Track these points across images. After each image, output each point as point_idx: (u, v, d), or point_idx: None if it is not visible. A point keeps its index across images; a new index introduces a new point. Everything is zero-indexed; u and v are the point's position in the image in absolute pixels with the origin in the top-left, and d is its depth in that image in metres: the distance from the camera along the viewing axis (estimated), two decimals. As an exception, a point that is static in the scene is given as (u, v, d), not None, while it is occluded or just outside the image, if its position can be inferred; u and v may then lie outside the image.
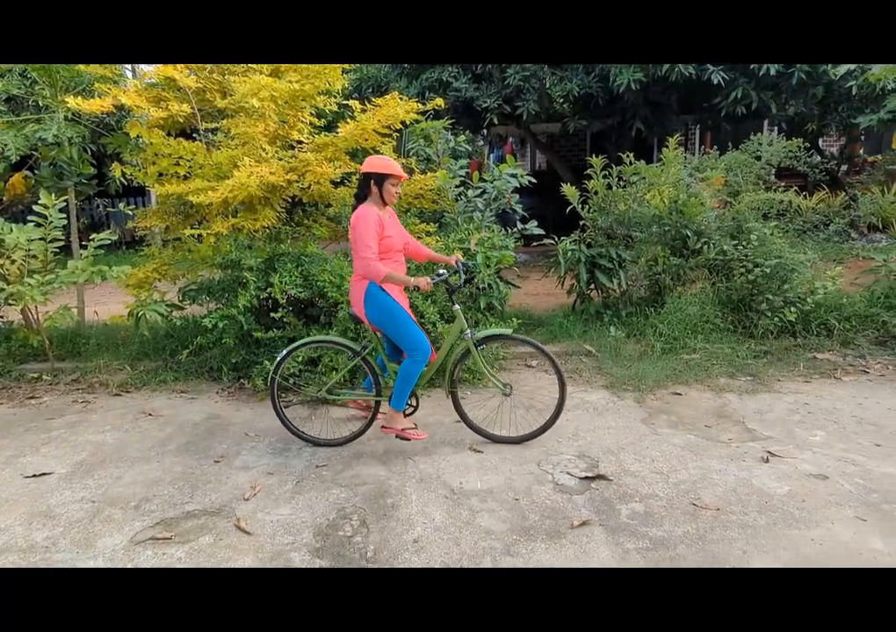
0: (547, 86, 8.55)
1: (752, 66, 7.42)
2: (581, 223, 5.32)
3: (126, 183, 5.45)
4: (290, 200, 4.95)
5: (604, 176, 5.25)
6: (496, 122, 8.48)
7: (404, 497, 2.89)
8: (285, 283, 4.14)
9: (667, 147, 5.05)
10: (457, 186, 5.22)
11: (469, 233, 4.82)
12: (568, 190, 5.27)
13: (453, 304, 3.34)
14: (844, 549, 2.34)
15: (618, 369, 4.30)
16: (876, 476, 2.85)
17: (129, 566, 2.43)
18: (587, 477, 2.99)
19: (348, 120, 4.75)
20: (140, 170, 4.78)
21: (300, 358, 4.06)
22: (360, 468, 3.21)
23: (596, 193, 5.21)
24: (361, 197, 3.19)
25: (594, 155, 5.27)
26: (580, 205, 5.26)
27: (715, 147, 6.68)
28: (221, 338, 4.23)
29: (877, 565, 2.23)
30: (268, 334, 4.20)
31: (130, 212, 5.29)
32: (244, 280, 4.17)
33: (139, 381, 4.57)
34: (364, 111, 4.86)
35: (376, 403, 3.49)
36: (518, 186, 5.45)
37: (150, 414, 4.01)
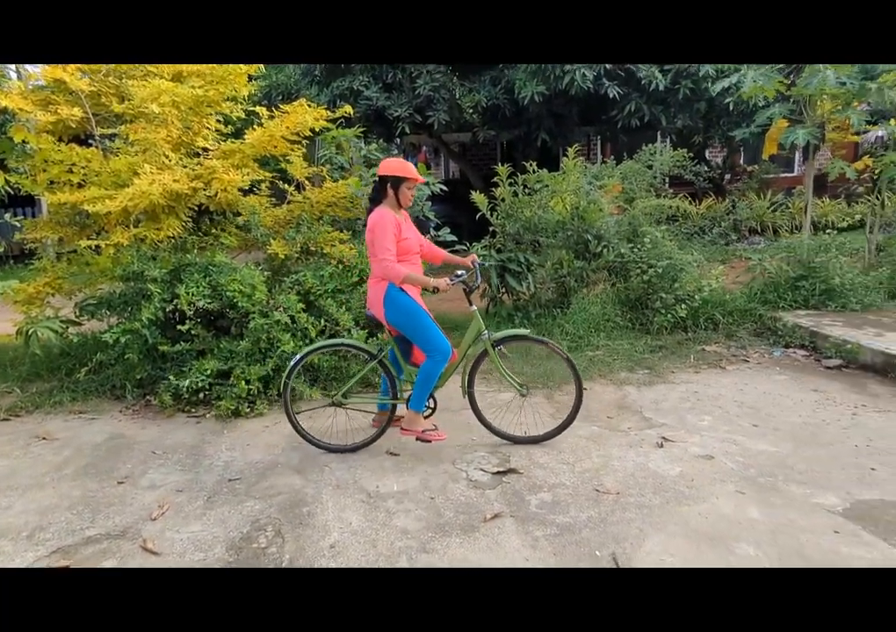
0: (457, 97, 8.79)
1: (643, 81, 7.99)
2: (490, 229, 5.51)
3: (12, 192, 5.09)
4: (196, 209, 4.81)
5: (511, 184, 5.48)
6: (408, 131, 8.61)
7: (320, 504, 2.90)
8: (193, 295, 4.02)
9: (567, 156, 5.35)
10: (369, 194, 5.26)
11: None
12: (478, 197, 5.46)
13: (470, 304, 3.31)
14: (727, 520, 2.59)
15: (529, 368, 4.49)
16: (753, 453, 3.16)
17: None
18: (499, 472, 3.12)
19: (255, 127, 4.69)
20: (27, 178, 4.49)
21: (209, 371, 3.96)
22: (275, 479, 3.18)
23: (503, 200, 5.42)
24: (377, 200, 3.19)
25: (504, 164, 5.49)
26: (489, 212, 5.46)
27: (612, 157, 7.12)
28: (124, 353, 4.04)
29: (754, 532, 2.48)
30: (175, 348, 4.05)
31: (17, 223, 4.94)
32: (148, 292, 4.02)
33: (30, 404, 4.27)
34: (272, 117, 4.82)
35: (392, 406, 3.45)
36: (433, 194, 5.59)
37: (44, 438, 3.76)
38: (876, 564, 2.26)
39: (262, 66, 4.98)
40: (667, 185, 9.73)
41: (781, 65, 5.99)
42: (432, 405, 3.37)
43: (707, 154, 11.00)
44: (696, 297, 4.77)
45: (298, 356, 3.39)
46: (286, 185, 5.01)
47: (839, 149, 9.49)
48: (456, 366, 3.34)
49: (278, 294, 4.23)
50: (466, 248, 5.46)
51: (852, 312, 4.94)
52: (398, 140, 11.52)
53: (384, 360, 3.34)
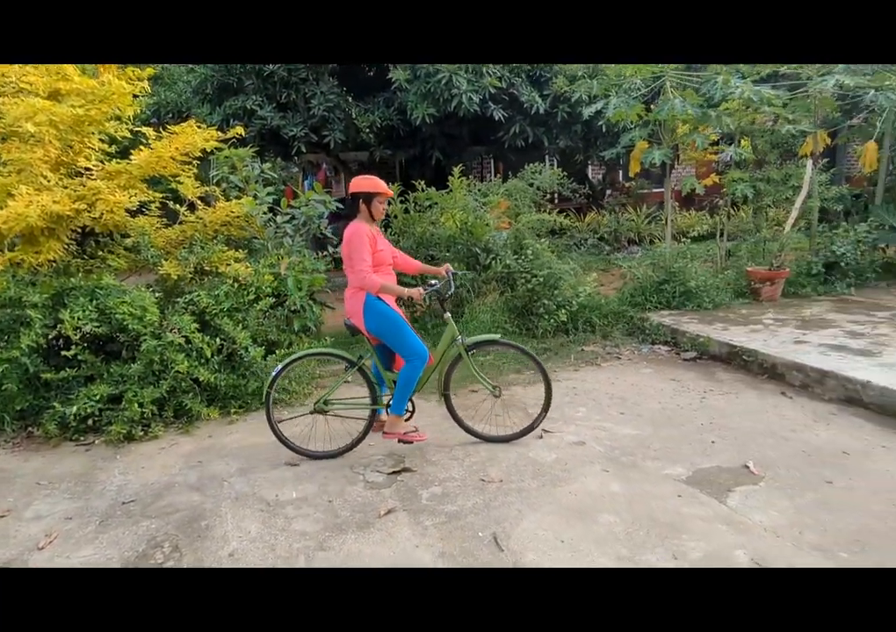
0: (353, 116, 9.02)
1: (525, 105, 8.61)
2: (384, 245, 5.75)
3: None
4: (80, 231, 4.69)
5: (403, 202, 5.76)
6: (305, 150, 8.71)
7: (219, 517, 2.96)
8: (79, 319, 3.93)
9: (453, 175, 5.71)
10: (265, 212, 5.36)
11: (280, 258, 4.98)
12: (372, 215, 5.68)
13: (445, 312, 3.52)
14: (593, 496, 2.94)
15: (425, 375, 4.73)
16: (618, 437, 3.57)
17: None
18: (394, 472, 3.32)
19: (143, 148, 4.65)
20: None
21: (98, 396, 3.88)
22: (173, 497, 3.20)
23: (395, 217, 5.69)
24: (351, 215, 3.40)
25: (402, 182, 5.76)
26: (383, 229, 5.69)
27: (499, 175, 7.61)
28: (1, 384, 3.87)
29: (615, 503, 2.84)
30: (60, 375, 3.93)
31: None
32: (28, 318, 3.88)
33: None
34: (159, 138, 4.80)
35: (372, 411, 3.56)
36: (337, 211, 5.75)
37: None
38: (708, 520, 2.67)
39: (146, 85, 4.95)
40: (556, 201, 10.45)
41: (643, 91, 6.73)
42: (411, 409, 3.54)
43: (590, 172, 11.92)
44: (574, 302, 5.24)
45: (280, 366, 3.48)
46: (178, 206, 4.99)
47: (701, 167, 10.62)
48: (433, 370, 3.54)
49: (172, 315, 4.21)
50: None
51: (706, 310, 5.63)
52: (295, 158, 11.56)
53: (363, 367, 3.49)
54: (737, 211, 9.16)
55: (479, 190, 6.42)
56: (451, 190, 5.70)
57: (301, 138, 8.33)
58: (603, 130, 8.44)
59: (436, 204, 5.71)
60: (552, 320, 5.24)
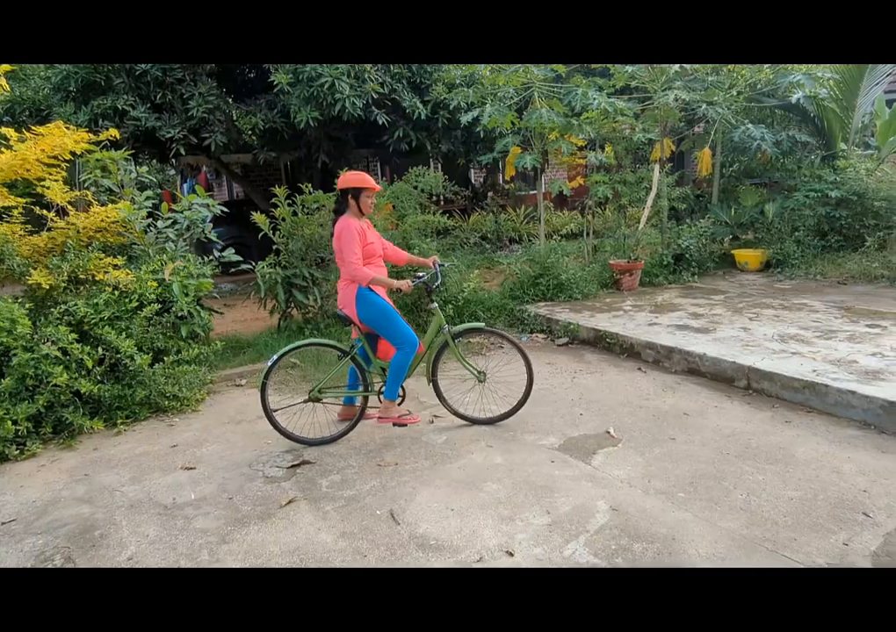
0: (235, 118, 8.85)
1: (408, 110, 8.91)
2: (274, 247, 5.79)
3: None
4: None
5: (291, 204, 5.82)
6: (184, 153, 8.42)
7: (114, 525, 2.94)
8: (-64, 335, 3.66)
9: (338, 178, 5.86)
10: (144, 217, 5.20)
11: (163, 264, 4.87)
12: (258, 217, 5.69)
13: (431, 302, 3.70)
14: (478, 468, 3.25)
15: (320, 374, 4.86)
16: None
17: None
18: (294, 466, 3.45)
19: (3, 150, 4.37)
20: None
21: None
22: (60, 512, 3.11)
23: (283, 220, 5.74)
24: (340, 210, 3.50)
25: (288, 185, 5.80)
26: (271, 231, 5.73)
27: (385, 177, 7.84)
28: None
29: (497, 473, 3.17)
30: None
31: None
32: None
33: None
34: (22, 139, 4.53)
35: (364, 398, 3.70)
36: (221, 215, 5.68)
37: None
38: (576, 479, 3.07)
39: (3, 82, 4.64)
40: (441, 203, 10.86)
41: (516, 100, 7.26)
42: (402, 394, 3.70)
43: (472, 175, 12.48)
44: (459, 297, 5.59)
45: (275, 357, 3.57)
46: (45, 211, 4.74)
47: (572, 170, 11.50)
48: (422, 357, 3.70)
49: (45, 326, 4.03)
50: (251, 267, 5.65)
51: (576, 300, 6.23)
52: (173, 161, 11.08)
53: (356, 356, 3.62)
54: (603, 211, 10.05)
55: (365, 193, 6.60)
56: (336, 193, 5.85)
57: (180, 140, 8.05)
58: (482, 135, 8.94)
59: (324, 206, 5.84)
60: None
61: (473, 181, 12.58)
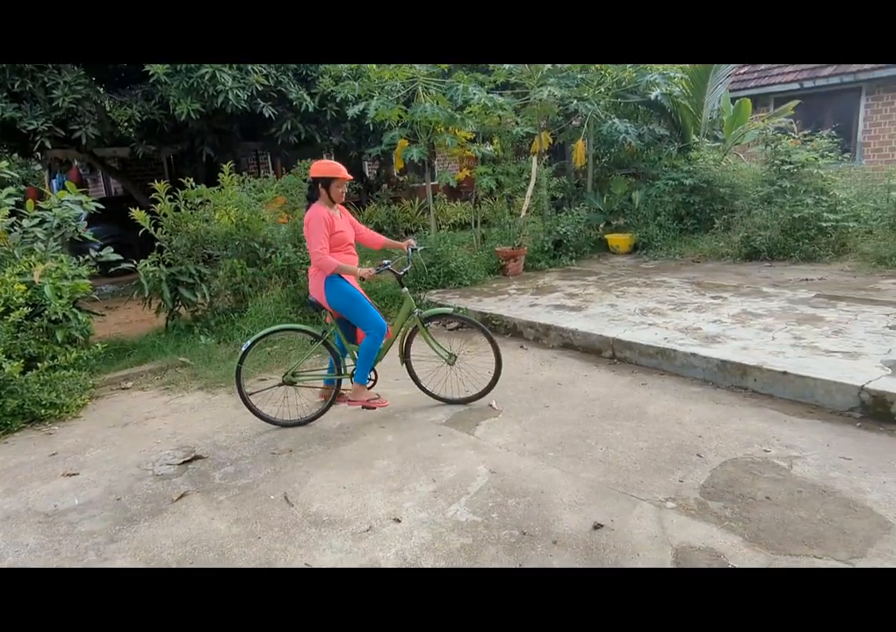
0: (108, 110, 8.33)
1: (294, 103, 8.82)
2: (157, 244, 5.61)
3: None
4: None
5: (173, 200, 5.65)
6: (50, 146, 7.84)
7: (-12, 538, 2.84)
8: None
9: (223, 172, 5.77)
10: (7, 216, 4.88)
11: (32, 265, 4.61)
12: (138, 214, 5.49)
13: (402, 286, 3.76)
14: (371, 448, 3.43)
15: (211, 371, 4.84)
16: (394, 398, 4.07)
17: None
18: (185, 462, 3.45)
19: None
20: None
21: None
22: (-75, 530, 2.94)
23: (165, 216, 5.57)
24: (312, 198, 3.55)
25: (172, 179, 5.62)
26: (152, 228, 5.54)
27: (274, 171, 7.74)
28: None
29: (388, 450, 3.36)
30: None
31: None
32: None
33: None
34: None
35: (337, 381, 3.77)
36: (97, 212, 5.40)
37: None
38: (460, 448, 3.33)
39: None
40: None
41: (402, 93, 7.41)
42: (373, 378, 3.78)
43: (365, 167, 12.53)
44: (352, 288, 5.71)
45: (249, 342, 3.70)
46: None
47: (464, 162, 11.84)
48: (392, 342, 3.79)
49: None
50: (133, 266, 5.44)
51: (465, 286, 6.54)
52: (38, 155, 10.25)
53: (328, 341, 3.70)
54: (494, 201, 10.48)
55: (253, 187, 6.53)
56: (222, 187, 5.75)
57: (44, 132, 7.49)
58: (371, 128, 9.03)
59: (208, 201, 5.72)
60: (334, 307, 5.65)
61: (367, 173, 12.63)
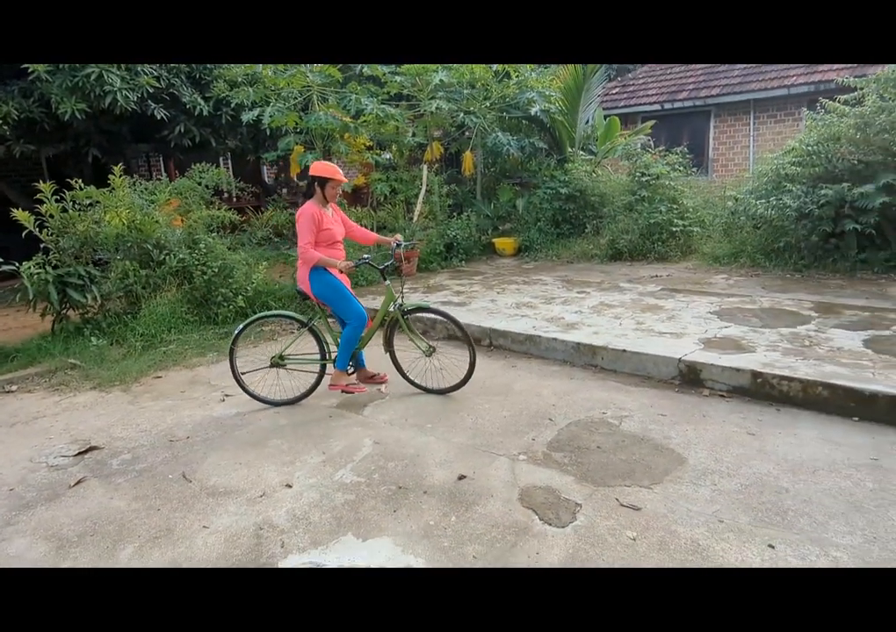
0: (-22, 106, 7.89)
1: (188, 105, 8.79)
2: (42, 246, 5.52)
3: None
4: None
5: (59, 200, 5.59)
6: None
7: None
8: None
9: (113, 174, 5.77)
10: None
11: None
12: (21, 214, 5.39)
13: (384, 280, 3.99)
14: (265, 431, 3.71)
15: (104, 371, 4.88)
16: (288, 388, 4.40)
17: None
18: (81, 453, 3.57)
19: None
20: None
21: None
22: None
23: (52, 217, 5.50)
24: (308, 195, 3.83)
25: (54, 180, 5.52)
26: (37, 229, 5.45)
27: (167, 173, 7.71)
28: None
29: (282, 432, 3.67)
30: None
31: None
32: None
33: None
34: None
35: (322, 366, 4.03)
36: None
37: None
38: (349, 426, 3.70)
39: None
40: (233, 200, 10.80)
41: (299, 100, 7.65)
42: (354, 365, 4.05)
43: (264, 172, 12.54)
44: (248, 288, 5.92)
45: (241, 326, 4.03)
46: None
47: (364, 168, 12.18)
48: (373, 332, 4.06)
49: None
50: (16, 268, 5.33)
51: (361, 286, 6.87)
52: None
53: (313, 327, 3.97)
54: (394, 207, 10.92)
55: (145, 189, 6.53)
56: (113, 189, 5.76)
57: None
58: (268, 133, 9.16)
59: (98, 202, 5.71)
60: (231, 307, 5.82)
61: (265, 177, 12.63)
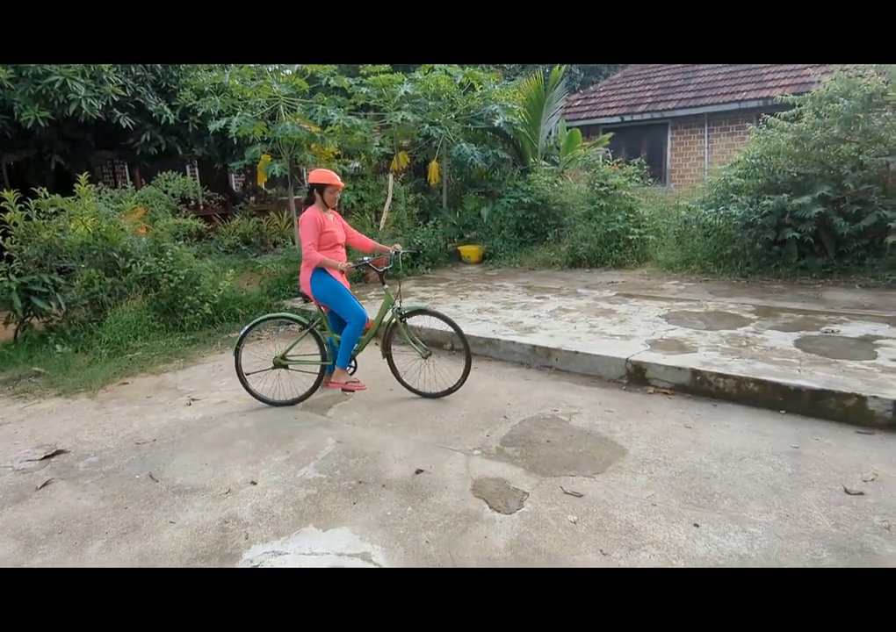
0: (-65, 112, 7.81)
1: (154, 114, 8.83)
2: (5, 254, 5.53)
3: None
4: None
5: (23, 209, 5.61)
6: None
7: None
8: None
9: (78, 182, 5.82)
10: None
11: None
12: (-25, 223, 5.40)
13: (383, 284, 4.10)
14: (230, 432, 3.83)
15: (69, 378, 4.92)
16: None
17: None
18: (47, 457, 3.64)
19: None
20: None
21: None
22: None
23: (15, 225, 5.52)
24: (309, 201, 4.01)
25: (15, 188, 5.54)
26: (1, 237, 5.47)
27: (133, 181, 7.73)
28: None
29: (249, 433, 3.79)
30: None
31: None
32: None
33: None
34: None
35: (322, 367, 4.16)
36: None
37: None
38: (313, 427, 3.84)
39: None
40: (201, 208, 10.82)
41: (266, 109, 7.76)
42: (354, 365, 4.18)
43: (232, 180, 12.57)
44: (216, 296, 6.01)
45: (247, 326, 4.19)
46: None
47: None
48: (373, 333, 4.19)
49: None
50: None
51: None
52: None
53: (315, 329, 4.11)
54: (362, 215, 11.08)
55: (111, 197, 6.57)
56: (78, 197, 5.80)
57: None
58: (235, 142, 9.24)
59: (62, 210, 5.74)
60: (197, 314, 5.90)
61: (233, 186, 12.67)
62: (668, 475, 2.99)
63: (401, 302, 4.14)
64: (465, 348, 4.07)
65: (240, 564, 2.50)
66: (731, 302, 5.71)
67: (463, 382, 4.09)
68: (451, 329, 4.13)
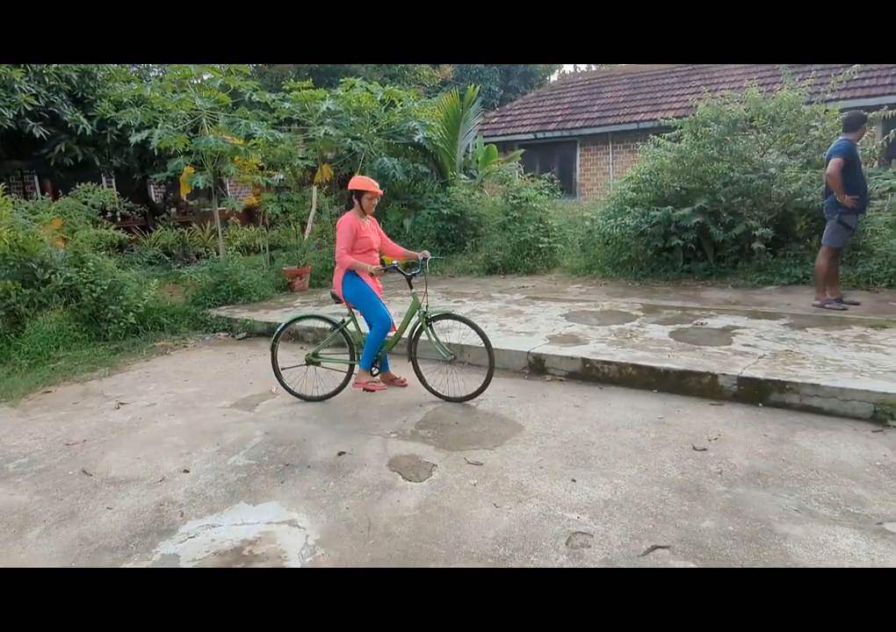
0: None
1: (70, 124, 8.73)
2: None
3: None
4: None
5: (-69, 221, 5.52)
6: None
7: None
8: None
9: (-6, 194, 5.79)
10: None
11: None
12: None
13: (411, 288, 4.24)
14: (162, 432, 4.04)
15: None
16: (183, 395, 4.72)
17: None
18: (-27, 461, 3.72)
19: None
20: None
21: None
22: None
23: (-75, 237, 5.43)
24: (348, 207, 4.25)
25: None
26: None
27: (48, 192, 7.63)
28: None
29: (179, 431, 4.01)
30: None
31: None
32: None
33: None
34: None
35: (351, 365, 4.36)
36: None
37: None
38: (241, 422, 4.11)
39: None
40: (119, 219, 10.65)
41: (189, 122, 7.87)
42: (378, 367, 4.34)
43: (152, 191, 12.42)
44: (140, 305, 6.11)
45: (283, 323, 4.50)
46: None
47: (256, 188, 12.41)
48: (398, 337, 4.32)
49: None
50: None
51: (254, 302, 7.26)
52: None
53: (344, 329, 4.32)
54: (288, 226, 11.26)
55: (25, 208, 6.52)
56: (-8, 209, 5.77)
57: None
58: (156, 153, 9.26)
59: (-24, 222, 5.69)
60: (121, 323, 5.98)
61: (153, 197, 12.51)
62: (555, 444, 3.50)
63: (427, 306, 4.23)
64: (488, 352, 4.08)
65: (177, 537, 2.78)
66: (623, 302, 6.43)
67: (486, 386, 4.11)
68: (472, 331, 4.14)
